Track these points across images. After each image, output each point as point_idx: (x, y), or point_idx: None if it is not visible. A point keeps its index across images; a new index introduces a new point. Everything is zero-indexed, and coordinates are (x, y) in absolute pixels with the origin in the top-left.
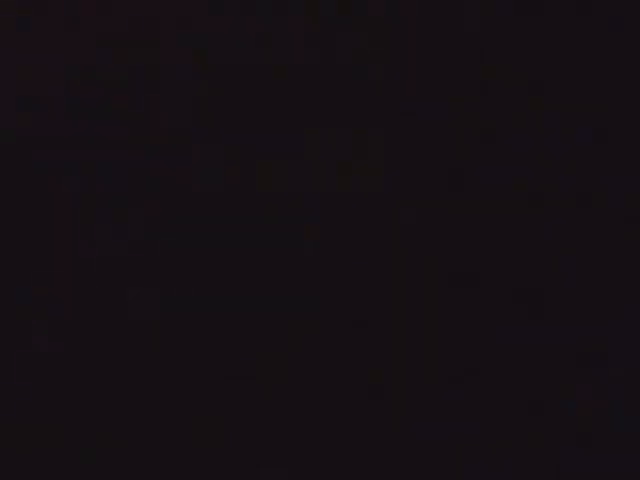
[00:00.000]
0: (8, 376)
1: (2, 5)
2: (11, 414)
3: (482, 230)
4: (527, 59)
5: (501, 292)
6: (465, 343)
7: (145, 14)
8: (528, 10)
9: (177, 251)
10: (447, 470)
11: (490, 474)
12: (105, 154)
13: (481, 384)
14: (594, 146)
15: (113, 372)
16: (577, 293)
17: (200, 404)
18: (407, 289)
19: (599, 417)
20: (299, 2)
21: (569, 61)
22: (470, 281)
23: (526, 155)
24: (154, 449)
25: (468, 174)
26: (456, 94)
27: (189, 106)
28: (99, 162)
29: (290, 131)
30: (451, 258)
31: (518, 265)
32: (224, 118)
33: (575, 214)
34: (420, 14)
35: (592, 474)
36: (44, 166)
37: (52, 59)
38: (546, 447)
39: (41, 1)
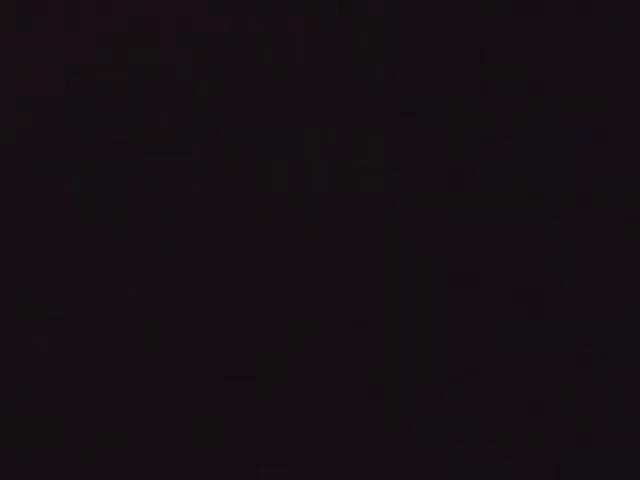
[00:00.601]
0: (8, 376)
1: (2, 5)
2: (11, 414)
3: (482, 230)
4: (527, 59)
5: (501, 292)
6: (465, 343)
7: (145, 14)
8: (528, 10)
9: (177, 251)
10: (447, 470)
11: (490, 474)
12: (105, 154)
13: (481, 384)
14: (594, 146)
15: (113, 372)
16: (577, 293)
17: (200, 404)
18: (407, 289)
19: (599, 417)
20: (299, 2)
21: (569, 61)
22: (470, 281)
23: (526, 155)
24: (154, 449)
25: (468, 174)
26: (456, 94)
27: (189, 106)
28: (99, 162)
29: (290, 131)
30: (451, 258)
31: (518, 265)
32: (224, 118)
33: (575, 214)
34: (420, 14)
35: (592, 474)
36: (44, 166)
37: (52, 59)
38: (546, 447)
39: (41, 1)
